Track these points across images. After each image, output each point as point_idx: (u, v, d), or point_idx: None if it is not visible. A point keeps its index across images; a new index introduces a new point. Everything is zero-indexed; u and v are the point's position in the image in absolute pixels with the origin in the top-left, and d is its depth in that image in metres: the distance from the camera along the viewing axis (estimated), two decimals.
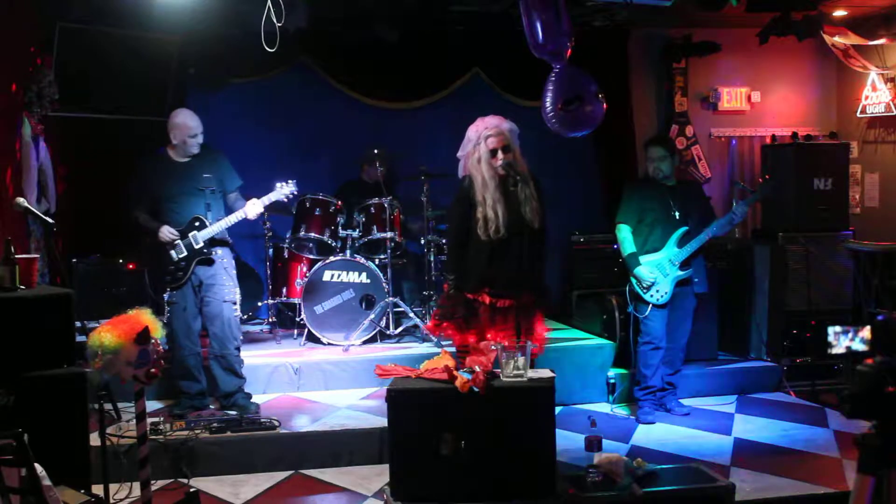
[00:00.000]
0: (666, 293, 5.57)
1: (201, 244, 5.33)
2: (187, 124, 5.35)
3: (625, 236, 5.66)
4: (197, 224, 5.34)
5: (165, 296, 5.35)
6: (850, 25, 7.07)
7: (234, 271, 5.56)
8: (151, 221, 5.35)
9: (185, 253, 5.32)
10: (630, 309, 5.73)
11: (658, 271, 5.56)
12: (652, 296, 5.57)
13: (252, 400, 5.57)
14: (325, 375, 6.04)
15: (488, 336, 4.28)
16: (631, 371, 6.03)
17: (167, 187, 5.37)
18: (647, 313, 5.61)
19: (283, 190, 5.48)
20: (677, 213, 5.61)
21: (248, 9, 5.34)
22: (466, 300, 4.38)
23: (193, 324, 5.41)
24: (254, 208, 5.39)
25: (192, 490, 4.15)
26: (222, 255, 5.45)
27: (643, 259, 5.58)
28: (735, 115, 8.31)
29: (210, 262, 5.37)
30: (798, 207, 6.59)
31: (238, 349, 5.55)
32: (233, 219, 5.38)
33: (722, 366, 6.48)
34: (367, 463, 4.91)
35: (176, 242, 5.30)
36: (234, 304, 5.51)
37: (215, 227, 5.36)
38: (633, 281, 5.62)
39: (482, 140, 4.35)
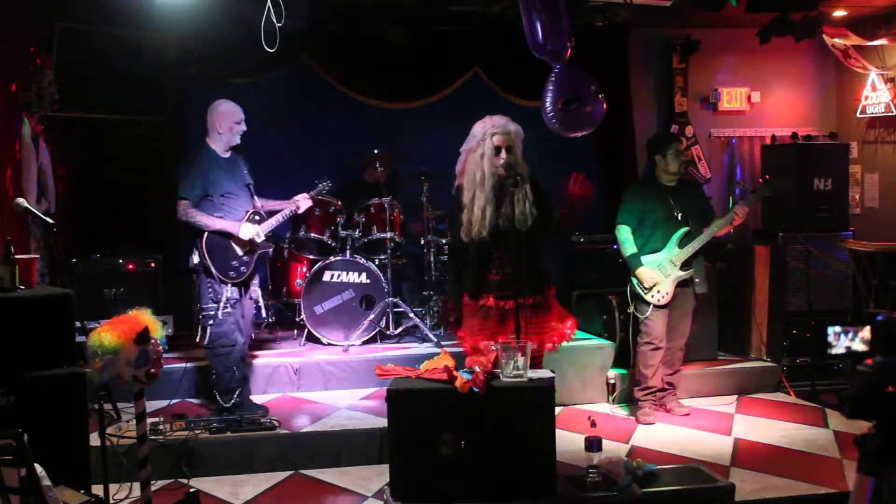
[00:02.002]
0: (667, 294, 5.57)
1: (263, 238, 5.36)
2: (233, 110, 5.36)
3: (625, 237, 5.66)
4: (257, 218, 5.36)
5: (227, 291, 5.25)
6: (850, 26, 7.07)
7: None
8: (217, 220, 5.22)
9: (249, 247, 5.33)
10: (631, 309, 5.73)
11: (659, 272, 5.57)
12: (653, 296, 5.57)
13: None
14: (325, 375, 6.04)
15: (499, 338, 4.28)
16: (631, 371, 6.03)
17: (221, 182, 5.30)
18: (647, 314, 5.61)
19: (324, 186, 5.88)
20: (679, 214, 5.61)
21: (247, 9, 5.34)
22: (460, 302, 4.40)
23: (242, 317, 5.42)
24: (305, 202, 5.58)
25: (192, 490, 4.15)
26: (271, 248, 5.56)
27: (644, 259, 5.59)
28: (735, 115, 8.31)
29: (265, 256, 5.42)
30: (798, 207, 6.60)
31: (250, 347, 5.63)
32: (287, 212, 5.49)
33: (722, 366, 6.48)
34: (367, 463, 4.91)
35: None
36: (256, 301, 5.54)
37: (273, 222, 5.42)
38: (635, 281, 5.62)
39: (488, 136, 4.35)
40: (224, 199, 5.29)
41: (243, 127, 5.38)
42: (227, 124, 5.33)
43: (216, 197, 5.27)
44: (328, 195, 6.68)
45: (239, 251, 5.30)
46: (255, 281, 5.52)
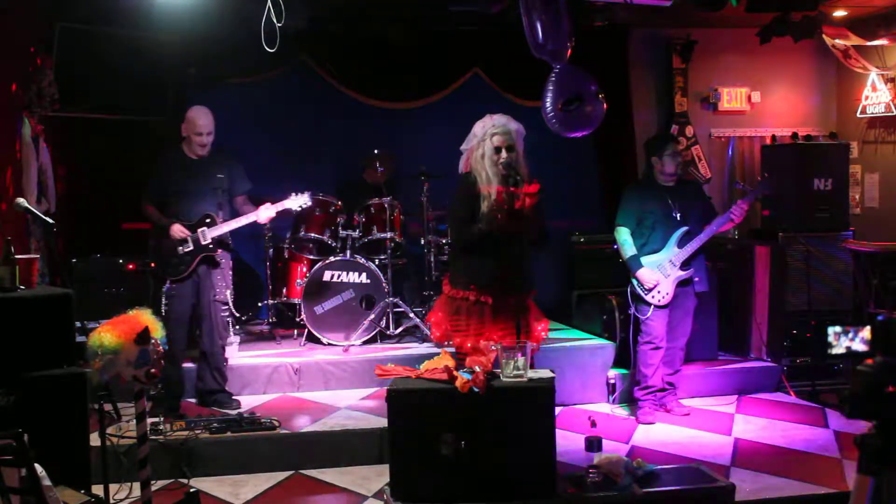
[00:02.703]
0: (667, 294, 5.57)
1: (209, 241, 5.37)
2: (195, 121, 5.38)
3: (625, 239, 5.66)
4: (208, 221, 5.38)
5: (165, 287, 5.38)
6: (850, 26, 7.07)
7: (231, 273, 5.61)
8: (162, 217, 5.37)
9: (191, 247, 5.35)
10: (631, 310, 5.73)
11: (659, 272, 5.57)
12: (653, 297, 5.57)
13: (234, 397, 5.62)
14: (325, 375, 6.04)
15: (494, 336, 4.27)
16: (631, 371, 6.03)
17: (180, 183, 5.40)
18: (648, 314, 5.61)
19: (297, 200, 5.58)
20: (678, 215, 5.61)
21: (248, 9, 5.34)
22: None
23: (187, 317, 5.46)
24: (266, 213, 5.45)
25: (192, 490, 4.14)
26: (221, 256, 5.49)
27: (644, 260, 5.59)
28: (735, 115, 8.30)
29: (212, 260, 5.41)
30: (798, 207, 6.59)
31: (223, 349, 5.61)
32: (244, 220, 5.44)
33: (722, 366, 6.47)
34: (367, 463, 4.91)
35: (185, 238, 5.34)
36: (225, 304, 5.53)
37: (225, 227, 5.40)
38: (635, 282, 5.62)
39: (488, 136, 4.35)
40: (180, 198, 5.38)
41: (203, 140, 5.38)
42: (186, 131, 5.41)
43: (171, 196, 5.39)
44: (327, 195, 6.69)
45: (179, 249, 5.34)
46: (223, 281, 5.49)
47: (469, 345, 4.36)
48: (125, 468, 4.40)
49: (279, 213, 5.58)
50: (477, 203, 4.34)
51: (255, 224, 5.78)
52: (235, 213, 5.52)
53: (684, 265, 5.59)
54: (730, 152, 8.30)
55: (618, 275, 6.10)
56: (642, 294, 5.59)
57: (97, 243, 6.59)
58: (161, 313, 5.71)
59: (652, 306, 5.59)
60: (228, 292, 5.55)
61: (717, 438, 5.32)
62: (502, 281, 4.32)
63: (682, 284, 5.62)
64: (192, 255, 5.36)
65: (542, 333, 4.53)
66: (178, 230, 5.32)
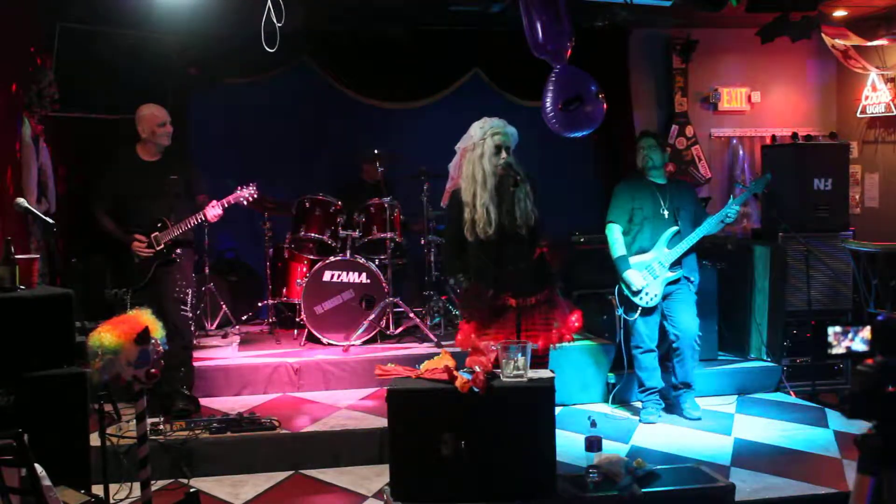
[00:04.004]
0: (656, 296, 5.56)
1: (161, 246, 5.31)
2: (154, 114, 5.34)
3: (615, 237, 5.64)
4: (159, 226, 5.31)
5: (127, 297, 5.28)
6: (850, 26, 7.07)
7: (191, 270, 5.54)
8: (119, 230, 5.31)
9: (150, 254, 5.31)
10: (619, 312, 5.72)
11: (648, 274, 5.55)
12: (640, 299, 5.56)
13: (197, 402, 5.44)
14: (325, 375, 6.04)
15: (500, 336, 4.27)
16: (629, 372, 6.01)
17: (133, 187, 5.32)
18: (635, 317, 5.60)
19: (243, 193, 5.48)
20: (666, 213, 5.60)
21: (248, 9, 5.33)
22: (486, 292, 4.38)
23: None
24: (213, 211, 5.34)
25: (192, 490, 4.15)
26: (181, 254, 5.43)
27: (632, 260, 5.57)
28: (735, 115, 8.31)
29: (170, 263, 5.35)
30: (798, 207, 6.59)
31: (185, 348, 5.47)
32: (192, 221, 5.34)
33: (722, 366, 6.47)
34: (367, 463, 4.91)
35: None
36: (182, 302, 5.42)
37: (175, 231, 5.32)
38: (622, 284, 5.61)
39: (488, 136, 4.34)
40: (133, 203, 5.33)
41: (167, 129, 5.35)
42: (148, 128, 5.34)
43: (126, 202, 5.33)
44: (327, 195, 6.69)
45: (136, 258, 5.30)
46: (183, 279, 5.39)
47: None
48: (125, 468, 4.40)
49: (226, 210, 5.44)
50: (463, 216, 4.36)
51: (254, 224, 5.76)
52: (197, 212, 5.42)
53: (673, 266, 5.57)
54: (730, 152, 8.29)
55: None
56: (630, 296, 5.58)
57: (97, 243, 6.58)
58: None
59: (639, 308, 5.58)
60: (189, 290, 5.43)
61: (717, 438, 5.32)
62: (507, 282, 4.33)
63: (673, 283, 5.60)
64: (149, 262, 5.30)
65: (576, 323, 4.52)
66: (139, 248, 5.26)
